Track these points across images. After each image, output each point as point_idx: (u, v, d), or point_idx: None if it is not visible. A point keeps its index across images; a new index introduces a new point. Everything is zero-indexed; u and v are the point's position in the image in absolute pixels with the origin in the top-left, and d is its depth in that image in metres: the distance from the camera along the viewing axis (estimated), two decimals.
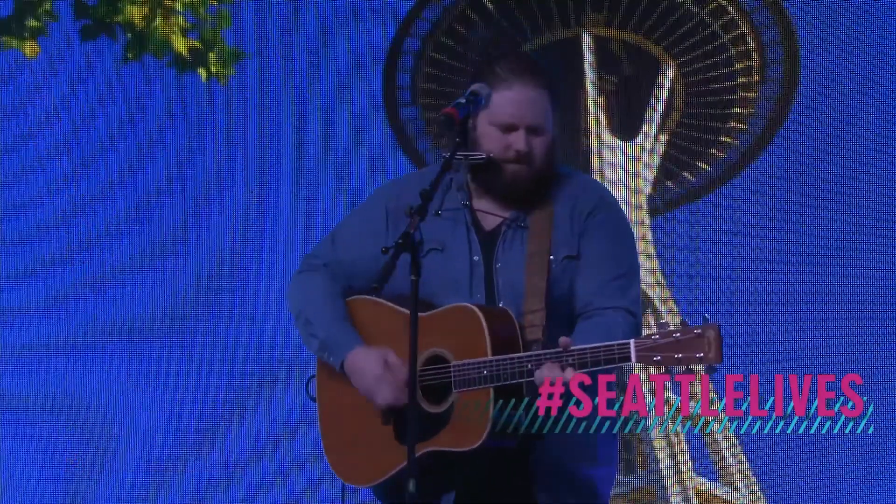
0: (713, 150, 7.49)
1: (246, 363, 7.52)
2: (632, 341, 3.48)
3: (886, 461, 7.12)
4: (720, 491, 7.22)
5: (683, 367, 3.45)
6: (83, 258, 7.64)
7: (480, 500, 3.68)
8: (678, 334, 3.46)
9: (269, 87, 7.62)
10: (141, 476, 7.51)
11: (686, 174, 7.50)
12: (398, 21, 7.60)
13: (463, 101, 3.80)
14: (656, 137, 7.77)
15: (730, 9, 7.48)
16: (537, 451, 3.66)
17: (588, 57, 7.56)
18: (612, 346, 3.49)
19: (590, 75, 7.58)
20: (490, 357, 3.55)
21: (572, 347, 3.51)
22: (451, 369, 3.59)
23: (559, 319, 3.67)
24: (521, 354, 3.55)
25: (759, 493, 7.22)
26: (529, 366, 3.51)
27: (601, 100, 7.81)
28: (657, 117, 7.79)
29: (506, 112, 3.70)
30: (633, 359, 3.48)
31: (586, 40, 7.58)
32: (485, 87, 3.77)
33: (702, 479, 7.39)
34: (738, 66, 7.49)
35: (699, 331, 3.45)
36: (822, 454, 7.15)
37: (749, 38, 7.47)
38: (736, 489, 7.26)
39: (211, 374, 7.53)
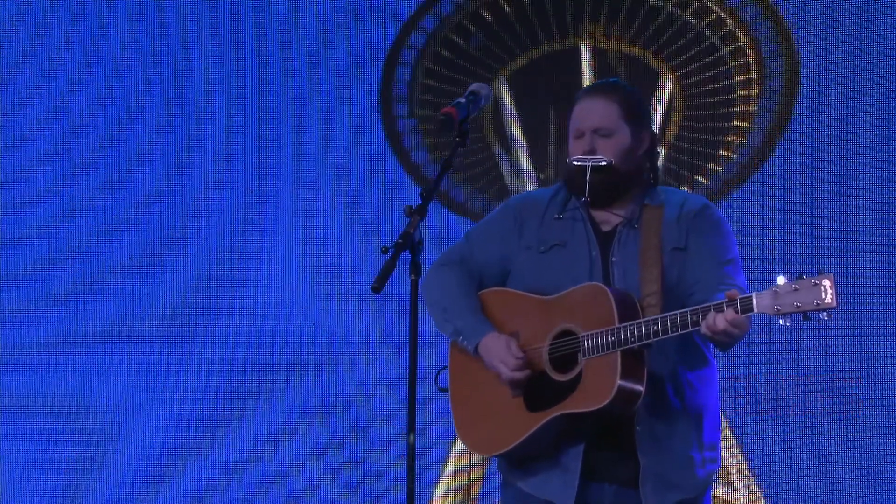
0: (712, 164, 7.48)
1: (246, 363, 7.52)
2: (754, 294, 3.82)
3: (886, 461, 7.12)
4: (719, 490, 7.22)
5: (803, 315, 3.78)
6: (83, 258, 7.64)
7: (603, 450, 4.09)
8: (796, 285, 3.77)
9: (269, 87, 7.62)
10: (141, 476, 7.51)
11: (685, 188, 7.48)
12: (398, 22, 7.59)
13: (463, 100, 3.89)
14: None
15: (728, 21, 7.46)
16: (642, 423, 4.06)
17: (586, 69, 7.55)
18: (736, 299, 3.84)
19: None
20: (617, 325, 3.93)
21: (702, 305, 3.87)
22: (580, 338, 3.99)
23: (670, 308, 4.00)
24: (646, 318, 3.94)
25: (758, 494, 7.23)
26: (654, 328, 3.89)
27: None
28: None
29: (574, 121, 4.17)
30: (756, 309, 3.82)
31: (584, 52, 7.57)
32: (485, 87, 3.97)
33: None
34: (736, 78, 7.47)
35: (816, 281, 3.76)
36: (822, 454, 7.16)
37: (748, 50, 7.46)
38: (735, 489, 7.27)
39: (211, 374, 7.53)
